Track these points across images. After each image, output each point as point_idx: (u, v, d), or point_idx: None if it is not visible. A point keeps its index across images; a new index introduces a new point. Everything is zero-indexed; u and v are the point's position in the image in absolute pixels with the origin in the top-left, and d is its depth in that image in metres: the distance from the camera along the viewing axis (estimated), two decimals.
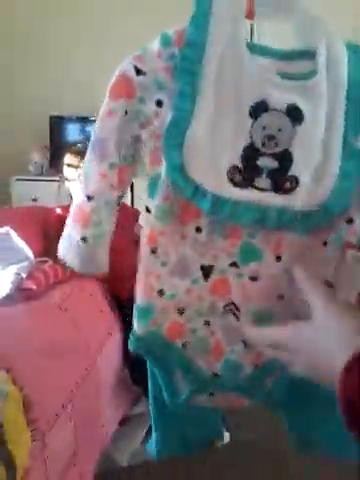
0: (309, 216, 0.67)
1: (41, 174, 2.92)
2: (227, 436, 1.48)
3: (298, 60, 0.69)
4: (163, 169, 0.66)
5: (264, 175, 0.65)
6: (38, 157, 2.92)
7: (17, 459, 0.88)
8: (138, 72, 0.66)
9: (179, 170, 0.64)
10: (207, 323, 0.75)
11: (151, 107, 0.67)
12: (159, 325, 0.74)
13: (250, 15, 0.67)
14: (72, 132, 3.08)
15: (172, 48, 0.65)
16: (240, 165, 0.65)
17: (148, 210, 0.69)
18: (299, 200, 0.66)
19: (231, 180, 0.65)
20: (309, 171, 0.67)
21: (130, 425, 1.52)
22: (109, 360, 1.38)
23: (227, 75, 0.64)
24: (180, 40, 0.65)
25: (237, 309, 0.74)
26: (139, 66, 0.66)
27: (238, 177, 0.65)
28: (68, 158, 1.76)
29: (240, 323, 0.74)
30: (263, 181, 0.66)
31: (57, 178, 1.96)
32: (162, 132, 0.65)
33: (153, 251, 0.71)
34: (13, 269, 1.45)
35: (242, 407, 0.84)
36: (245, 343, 0.75)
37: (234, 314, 0.74)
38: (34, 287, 1.41)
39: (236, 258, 0.71)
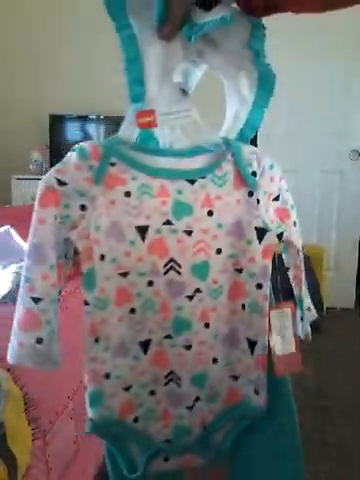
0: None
1: (41, 173, 2.92)
2: None
3: (200, 155, 0.77)
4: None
5: None
6: (38, 156, 2.92)
7: (18, 457, 0.88)
8: (60, 183, 0.73)
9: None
10: (152, 393, 0.80)
11: (76, 211, 0.73)
12: (111, 408, 0.78)
13: (153, 125, 0.74)
14: (72, 131, 3.08)
15: (90, 161, 0.72)
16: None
17: (87, 303, 0.74)
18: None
19: None
20: None
21: None
22: None
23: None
24: (95, 153, 0.72)
25: (178, 378, 0.79)
26: (60, 178, 0.73)
27: None
28: None
29: (182, 390, 0.79)
30: None
31: None
32: (89, 232, 0.73)
33: (96, 340, 0.75)
34: (13, 268, 1.45)
35: (199, 465, 0.88)
36: (189, 407, 0.81)
37: (176, 383, 0.80)
38: None
39: (170, 331, 0.77)
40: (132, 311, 0.76)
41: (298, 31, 2.60)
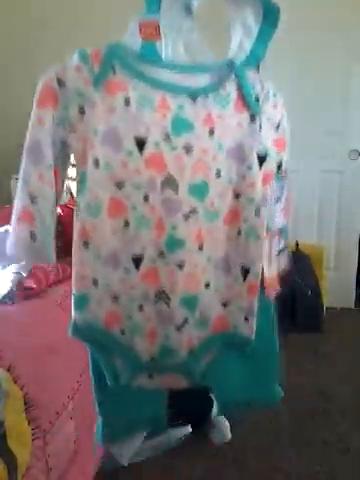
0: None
1: None
2: (227, 428, 1.49)
3: (202, 73, 0.77)
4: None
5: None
6: None
7: (18, 457, 0.88)
8: (60, 83, 0.73)
9: None
10: (141, 308, 0.79)
11: (74, 113, 0.72)
12: (96, 315, 0.78)
13: (158, 38, 0.74)
14: None
15: (91, 63, 0.72)
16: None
17: (78, 207, 0.75)
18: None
19: None
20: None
21: None
22: None
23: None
24: (97, 56, 0.73)
25: (168, 298, 0.79)
26: (61, 77, 0.73)
27: None
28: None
29: (170, 310, 0.79)
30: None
31: None
32: (88, 136, 0.71)
33: (85, 244, 0.75)
34: (13, 268, 1.45)
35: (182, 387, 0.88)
36: (177, 327, 0.80)
37: (165, 302, 0.79)
38: (34, 286, 1.41)
39: (164, 249, 0.76)
40: (126, 224, 0.75)
41: (298, 31, 2.60)
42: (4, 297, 1.33)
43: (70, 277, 1.51)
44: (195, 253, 0.77)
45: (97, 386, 0.86)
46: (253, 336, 0.83)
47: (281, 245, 0.93)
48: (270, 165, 0.80)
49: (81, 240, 0.75)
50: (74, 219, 0.74)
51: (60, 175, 0.78)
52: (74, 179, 1.82)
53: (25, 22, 3.02)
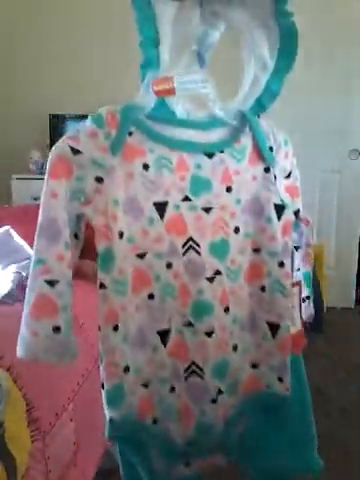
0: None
1: (41, 173, 2.91)
2: None
3: (217, 128, 0.75)
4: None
5: None
6: (38, 156, 2.92)
7: (17, 459, 0.87)
8: (74, 151, 0.67)
9: None
10: (173, 389, 0.74)
11: (91, 184, 0.66)
12: (130, 407, 0.71)
13: (172, 92, 0.69)
14: None
15: (106, 128, 0.66)
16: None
17: (103, 286, 0.67)
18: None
19: None
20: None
21: None
22: None
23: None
24: (113, 120, 0.66)
25: (200, 369, 0.73)
26: (74, 146, 0.67)
27: None
28: None
29: (204, 382, 0.73)
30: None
31: None
32: (108, 207, 0.66)
33: (115, 328, 0.69)
34: (13, 268, 1.45)
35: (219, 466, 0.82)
36: (213, 400, 0.75)
37: (198, 375, 0.73)
38: None
39: (191, 317, 0.72)
40: (150, 297, 0.70)
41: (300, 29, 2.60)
42: (4, 297, 1.33)
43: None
44: (222, 316, 0.74)
45: None
46: (288, 394, 0.79)
47: (304, 294, 0.90)
48: (289, 215, 0.77)
49: (110, 325, 0.68)
50: (99, 301, 0.67)
51: (76, 253, 0.71)
52: None
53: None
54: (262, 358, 0.79)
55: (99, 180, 0.67)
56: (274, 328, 0.77)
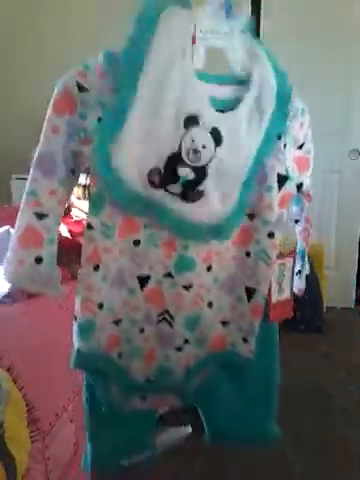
0: (214, 227, 0.71)
1: None
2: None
3: (232, 85, 0.72)
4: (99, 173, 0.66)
5: (179, 183, 0.67)
6: None
7: (17, 459, 0.87)
8: (80, 88, 0.66)
9: (106, 164, 0.64)
10: (142, 331, 0.77)
11: (92, 123, 0.65)
12: (99, 341, 0.74)
13: (192, 41, 0.67)
14: None
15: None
16: (162, 169, 0.66)
17: (90, 227, 0.68)
18: (204, 214, 0.70)
19: (150, 180, 0.66)
20: (218, 191, 0.69)
21: None
22: None
23: (168, 90, 0.65)
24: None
25: (171, 317, 0.76)
26: (82, 82, 0.66)
27: (156, 178, 0.66)
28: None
29: (173, 330, 0.77)
30: (175, 187, 0.68)
31: None
32: None
33: (95, 268, 0.71)
34: None
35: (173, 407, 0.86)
36: (178, 348, 0.78)
37: (168, 322, 0.76)
38: None
39: (172, 269, 0.74)
40: (136, 243, 0.71)
41: (298, 30, 2.60)
42: (4, 297, 1.33)
43: (70, 278, 1.52)
44: (203, 274, 0.76)
45: (89, 414, 0.82)
46: (251, 357, 0.81)
47: (297, 268, 0.91)
48: (290, 187, 0.77)
49: (92, 264, 0.70)
50: (84, 240, 0.69)
51: (71, 190, 0.72)
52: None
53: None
54: (233, 318, 0.81)
55: (100, 120, 0.66)
56: (250, 292, 0.79)
